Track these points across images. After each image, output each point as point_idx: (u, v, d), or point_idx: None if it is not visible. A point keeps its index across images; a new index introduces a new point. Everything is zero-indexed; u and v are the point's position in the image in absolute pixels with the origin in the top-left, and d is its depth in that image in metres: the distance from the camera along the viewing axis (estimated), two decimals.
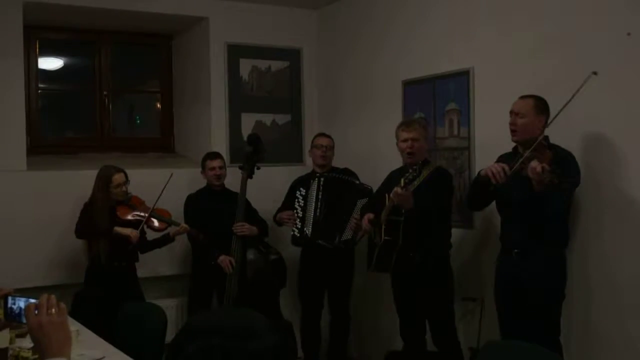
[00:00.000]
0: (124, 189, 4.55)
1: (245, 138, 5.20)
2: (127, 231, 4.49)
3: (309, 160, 5.56)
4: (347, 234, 4.78)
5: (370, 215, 4.26)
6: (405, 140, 4.13)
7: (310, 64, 5.84)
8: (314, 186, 4.89)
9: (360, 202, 4.73)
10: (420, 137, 4.13)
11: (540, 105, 3.54)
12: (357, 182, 4.86)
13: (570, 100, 3.30)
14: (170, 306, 5.00)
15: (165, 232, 4.73)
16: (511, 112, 3.60)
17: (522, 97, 3.60)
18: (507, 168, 3.38)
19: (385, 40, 5.09)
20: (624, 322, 3.53)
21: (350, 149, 5.23)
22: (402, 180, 3.82)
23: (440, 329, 4.17)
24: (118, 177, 4.52)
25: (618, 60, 3.47)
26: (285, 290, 5.11)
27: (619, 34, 3.45)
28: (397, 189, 3.82)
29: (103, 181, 4.51)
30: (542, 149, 3.26)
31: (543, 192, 3.23)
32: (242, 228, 4.79)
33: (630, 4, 3.43)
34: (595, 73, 3.29)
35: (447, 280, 4.14)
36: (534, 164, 3.18)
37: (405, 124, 4.25)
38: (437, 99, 4.62)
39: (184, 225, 4.72)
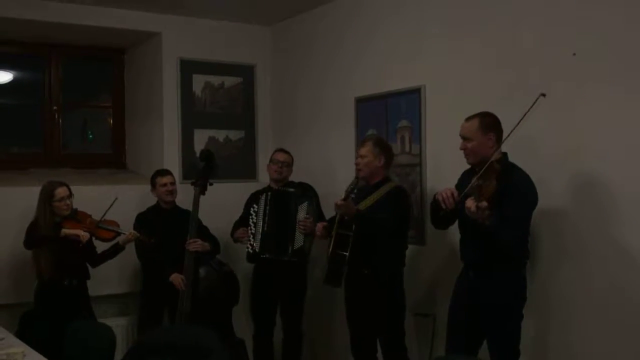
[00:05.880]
0: (67, 202, 4.46)
1: (198, 154, 5.16)
2: (75, 231, 4.40)
3: (262, 176, 5.56)
4: (299, 241, 4.78)
5: (324, 223, 4.34)
6: (357, 158, 4.23)
7: (264, 80, 5.85)
8: (262, 201, 4.89)
9: (301, 207, 4.77)
10: (369, 154, 4.15)
11: (486, 124, 3.45)
12: (292, 189, 4.88)
13: (519, 122, 3.27)
14: (119, 325, 4.92)
15: (115, 241, 4.66)
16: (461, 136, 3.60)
17: (467, 119, 3.51)
18: (456, 193, 3.33)
19: (338, 57, 5.13)
20: (587, 345, 3.49)
21: (303, 165, 5.23)
22: (344, 192, 3.98)
23: (391, 346, 4.17)
24: (61, 191, 4.45)
25: (564, 79, 3.55)
26: (238, 307, 5.07)
27: (566, 53, 3.53)
28: (337, 201, 3.96)
29: (45, 195, 4.44)
30: (490, 176, 3.17)
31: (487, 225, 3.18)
32: (195, 244, 4.74)
33: (575, 25, 3.52)
34: (543, 95, 3.27)
35: (397, 296, 4.14)
36: (469, 203, 3.12)
37: (360, 142, 4.38)
38: (389, 116, 4.67)
39: (132, 231, 4.65)
